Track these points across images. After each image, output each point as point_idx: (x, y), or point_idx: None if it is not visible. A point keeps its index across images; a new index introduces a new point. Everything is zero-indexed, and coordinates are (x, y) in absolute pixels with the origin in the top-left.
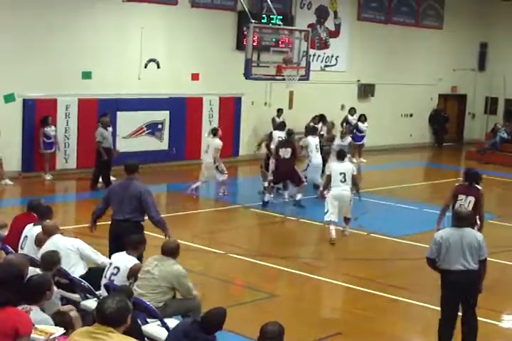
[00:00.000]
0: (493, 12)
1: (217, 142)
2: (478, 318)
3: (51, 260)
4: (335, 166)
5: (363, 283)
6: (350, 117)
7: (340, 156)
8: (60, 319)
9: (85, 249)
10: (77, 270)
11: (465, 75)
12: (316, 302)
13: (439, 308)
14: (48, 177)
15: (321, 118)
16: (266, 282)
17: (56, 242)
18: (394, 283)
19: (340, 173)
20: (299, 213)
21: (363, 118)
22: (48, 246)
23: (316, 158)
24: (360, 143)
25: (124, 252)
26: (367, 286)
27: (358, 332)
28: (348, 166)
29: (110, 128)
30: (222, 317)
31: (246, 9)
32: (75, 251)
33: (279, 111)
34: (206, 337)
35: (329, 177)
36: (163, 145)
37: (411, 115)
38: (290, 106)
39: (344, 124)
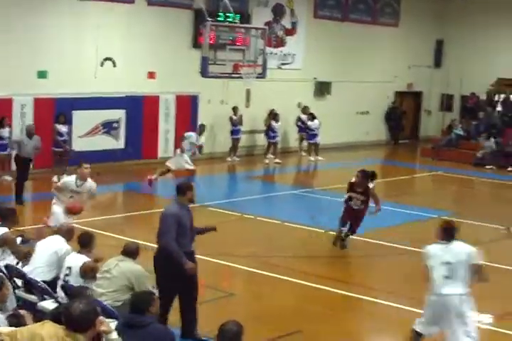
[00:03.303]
0: (449, 9)
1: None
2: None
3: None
4: (433, 250)
5: (322, 280)
6: (302, 116)
7: (448, 234)
8: (14, 321)
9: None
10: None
11: (421, 72)
12: (274, 300)
13: (396, 305)
14: (8, 178)
15: (274, 115)
16: (224, 281)
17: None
18: (353, 281)
19: (444, 263)
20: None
21: (311, 116)
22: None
23: None
24: (313, 141)
25: (75, 252)
26: (325, 284)
27: (316, 330)
28: (460, 250)
29: (36, 137)
30: (148, 298)
31: (202, 7)
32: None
33: (235, 109)
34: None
35: (427, 270)
36: (120, 144)
37: (367, 112)
38: (247, 105)
39: (298, 123)
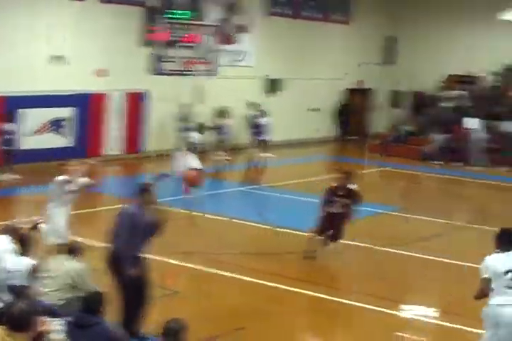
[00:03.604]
0: (402, 7)
1: None
2: (381, 309)
3: None
4: (493, 261)
5: (266, 277)
6: (253, 113)
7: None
8: None
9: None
10: None
11: (371, 69)
12: (221, 298)
13: (339, 299)
14: None
15: (223, 112)
16: (170, 279)
17: None
18: (297, 276)
19: (508, 272)
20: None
21: (261, 113)
22: None
23: None
24: (263, 138)
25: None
26: (270, 280)
27: (261, 326)
28: None
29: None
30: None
31: (155, 4)
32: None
33: (185, 106)
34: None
35: (486, 282)
36: (68, 142)
37: (318, 109)
38: (198, 102)
39: (249, 120)
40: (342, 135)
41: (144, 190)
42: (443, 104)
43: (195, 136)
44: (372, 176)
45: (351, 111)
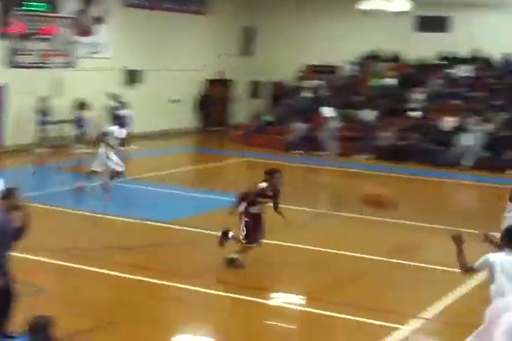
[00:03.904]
0: None
1: None
2: (247, 298)
3: None
4: (498, 258)
5: (137, 270)
6: (113, 104)
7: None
8: None
9: None
10: None
11: (230, 60)
12: (88, 293)
13: (210, 291)
14: None
15: (83, 105)
16: (34, 276)
17: None
18: (168, 269)
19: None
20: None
21: (121, 105)
22: None
23: None
24: (125, 130)
25: None
26: (140, 274)
27: (133, 321)
28: None
29: None
30: None
31: None
32: None
33: (43, 99)
34: None
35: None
36: None
37: (179, 101)
38: (56, 94)
39: (109, 112)
40: (204, 126)
41: (8, 195)
42: (302, 94)
43: (54, 129)
44: (235, 167)
45: (212, 102)
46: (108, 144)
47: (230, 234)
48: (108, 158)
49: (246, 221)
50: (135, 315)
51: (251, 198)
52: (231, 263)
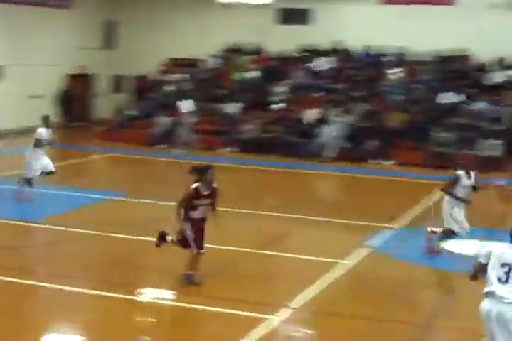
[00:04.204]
0: None
1: None
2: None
3: None
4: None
5: (4, 271)
6: None
7: None
8: None
9: None
10: None
11: (92, 54)
12: None
13: (78, 289)
14: None
15: None
16: None
17: None
18: (38, 269)
19: (504, 265)
20: None
21: None
22: None
23: None
24: None
25: None
26: (9, 275)
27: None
28: None
29: None
30: None
31: None
32: None
33: None
34: None
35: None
36: None
37: (42, 96)
38: None
39: None
40: (66, 122)
41: None
42: (165, 88)
43: None
44: (99, 163)
45: (74, 97)
46: None
47: (169, 238)
48: None
49: (187, 228)
50: (2, 317)
51: (187, 203)
52: (189, 279)
